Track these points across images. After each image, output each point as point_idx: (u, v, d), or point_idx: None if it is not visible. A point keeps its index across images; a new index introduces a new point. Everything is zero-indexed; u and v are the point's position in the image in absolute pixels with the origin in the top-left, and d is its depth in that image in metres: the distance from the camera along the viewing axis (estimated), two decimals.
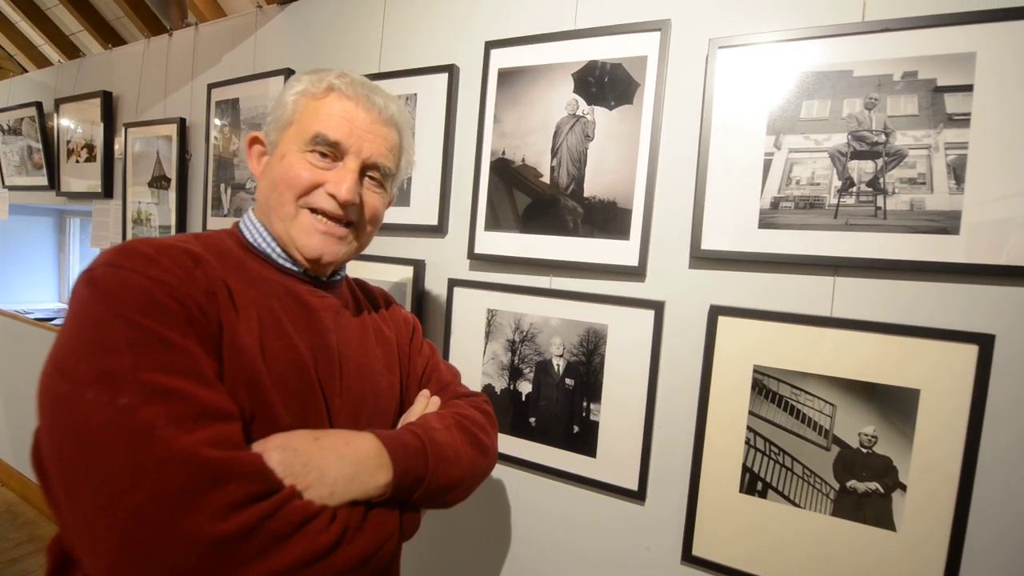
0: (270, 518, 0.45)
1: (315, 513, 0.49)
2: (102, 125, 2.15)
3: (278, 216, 0.65)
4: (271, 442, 0.53)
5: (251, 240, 0.67)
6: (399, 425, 0.73)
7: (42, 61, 2.92)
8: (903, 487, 0.82)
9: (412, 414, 0.75)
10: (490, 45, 1.19)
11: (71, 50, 2.66)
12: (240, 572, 0.43)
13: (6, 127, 2.61)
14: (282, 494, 0.47)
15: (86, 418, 0.43)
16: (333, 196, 0.64)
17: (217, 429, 0.46)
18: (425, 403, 0.77)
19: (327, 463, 0.54)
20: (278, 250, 0.66)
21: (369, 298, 0.83)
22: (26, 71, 2.94)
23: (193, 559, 0.41)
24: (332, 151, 0.64)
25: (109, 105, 2.16)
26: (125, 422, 0.43)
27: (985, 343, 0.77)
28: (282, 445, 0.53)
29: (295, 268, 0.67)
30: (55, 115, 2.34)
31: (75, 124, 2.28)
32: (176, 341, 0.48)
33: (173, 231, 1.91)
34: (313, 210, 0.64)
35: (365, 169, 0.67)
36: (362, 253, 0.74)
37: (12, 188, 2.66)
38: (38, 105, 2.43)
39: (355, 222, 0.68)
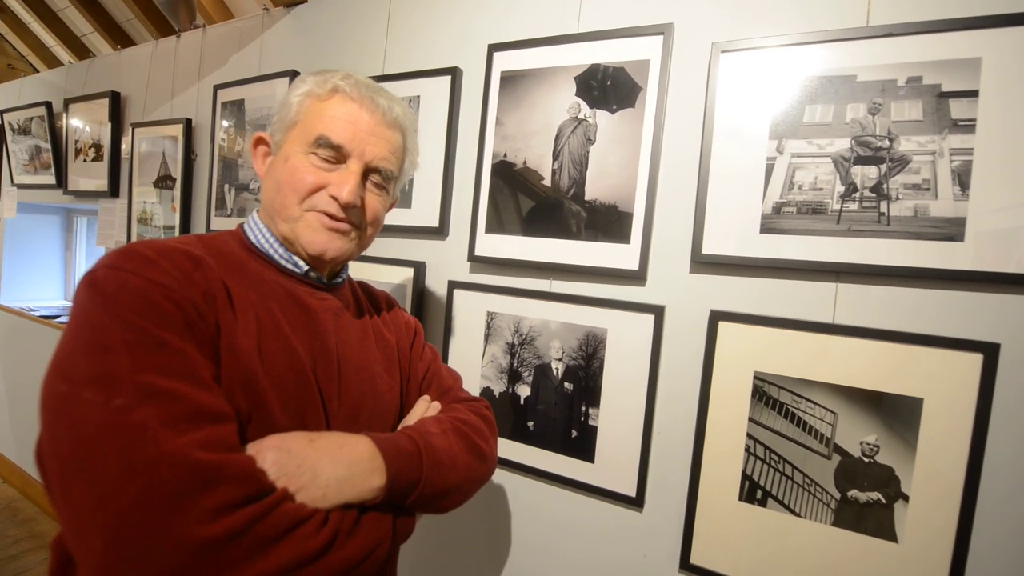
0: (259, 521, 0.45)
1: (306, 517, 0.49)
2: (110, 125, 2.17)
3: (282, 218, 0.65)
4: (266, 443, 0.53)
5: (254, 241, 0.67)
6: (398, 429, 0.73)
7: (53, 62, 2.96)
8: (905, 497, 0.80)
9: (411, 418, 0.75)
10: (493, 48, 1.19)
11: (81, 51, 2.70)
12: (227, 575, 0.43)
13: (16, 126, 2.64)
14: (272, 497, 0.47)
15: (82, 418, 0.43)
16: (335, 198, 0.64)
17: (211, 431, 0.46)
18: (425, 407, 0.77)
19: (320, 465, 0.53)
20: (280, 251, 0.66)
21: (372, 301, 0.83)
22: (37, 71, 2.98)
23: (180, 561, 0.41)
24: (335, 153, 0.64)
25: (117, 105, 2.18)
26: (119, 423, 0.43)
27: (990, 352, 0.76)
28: (277, 446, 0.53)
29: (297, 270, 0.67)
30: (64, 115, 2.37)
31: (83, 124, 2.30)
32: (173, 343, 0.48)
33: (177, 231, 1.92)
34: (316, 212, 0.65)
35: (368, 172, 0.67)
36: (363, 254, 0.74)
37: (20, 186, 2.69)
38: (47, 105, 2.46)
39: (356, 224, 0.68)
